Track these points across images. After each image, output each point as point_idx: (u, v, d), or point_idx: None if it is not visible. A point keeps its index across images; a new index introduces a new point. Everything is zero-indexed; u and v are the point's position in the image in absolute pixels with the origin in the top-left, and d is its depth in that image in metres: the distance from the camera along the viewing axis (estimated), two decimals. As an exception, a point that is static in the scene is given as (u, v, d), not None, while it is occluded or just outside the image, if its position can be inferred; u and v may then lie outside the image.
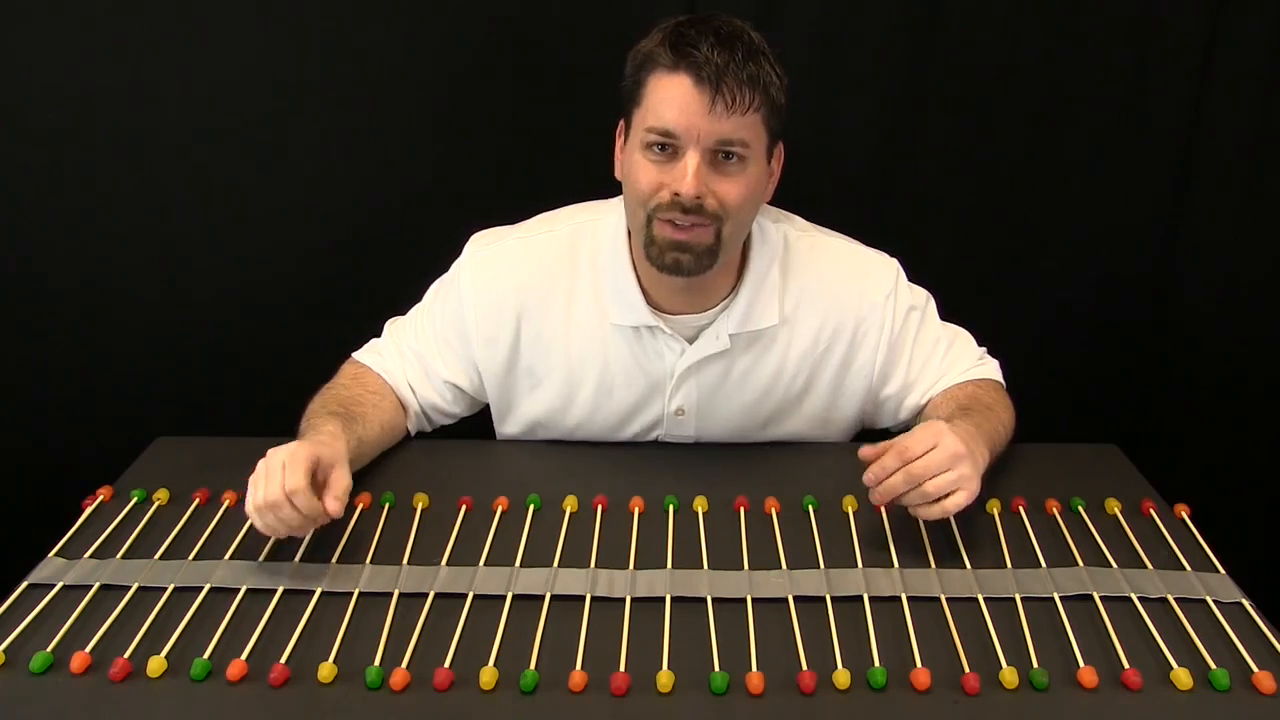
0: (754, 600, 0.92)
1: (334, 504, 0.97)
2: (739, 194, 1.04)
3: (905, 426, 1.27)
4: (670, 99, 1.01)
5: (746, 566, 0.98)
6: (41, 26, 1.47)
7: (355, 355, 1.27)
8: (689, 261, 1.06)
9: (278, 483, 0.94)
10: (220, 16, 1.47)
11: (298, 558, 0.99)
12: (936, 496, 0.96)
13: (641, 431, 1.24)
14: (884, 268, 1.21)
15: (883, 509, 1.06)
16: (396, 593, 0.93)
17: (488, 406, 1.29)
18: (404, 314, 1.29)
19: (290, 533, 0.97)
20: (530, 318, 1.19)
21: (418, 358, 1.24)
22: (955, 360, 1.23)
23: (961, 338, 1.26)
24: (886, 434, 1.30)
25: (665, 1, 1.40)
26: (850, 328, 1.19)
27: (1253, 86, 1.51)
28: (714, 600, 0.92)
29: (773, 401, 1.21)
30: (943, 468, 0.96)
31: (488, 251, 1.21)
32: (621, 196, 1.13)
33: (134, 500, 1.09)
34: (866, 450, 1.01)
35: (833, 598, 0.92)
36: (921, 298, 1.24)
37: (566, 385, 1.21)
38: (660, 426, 1.23)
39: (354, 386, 1.20)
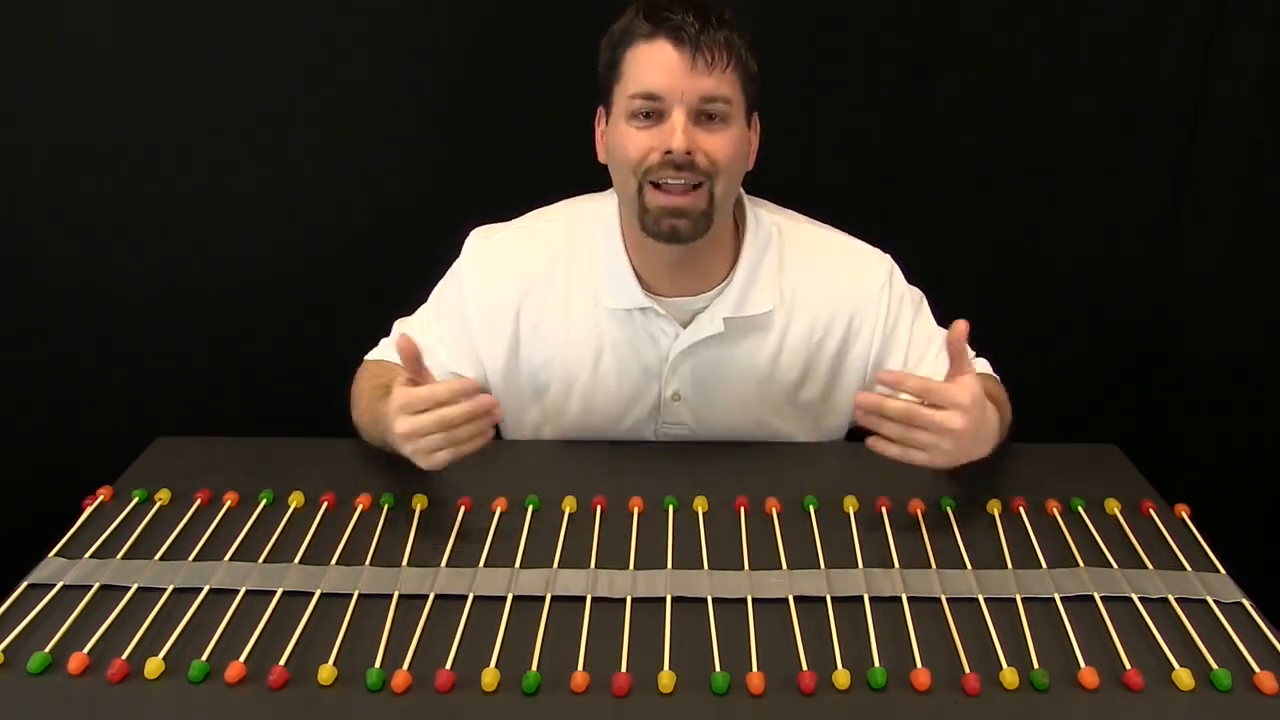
0: (754, 600, 0.92)
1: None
2: (726, 150, 1.07)
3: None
4: (652, 63, 1.05)
5: (747, 566, 0.98)
6: (42, 27, 1.47)
7: (370, 356, 1.28)
8: (685, 227, 1.08)
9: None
10: (221, 17, 1.47)
11: (298, 559, 0.99)
12: (907, 441, 0.98)
13: (640, 420, 1.24)
14: (879, 262, 1.23)
15: (883, 509, 1.06)
16: (396, 594, 0.93)
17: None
18: (411, 314, 1.29)
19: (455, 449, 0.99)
20: (529, 306, 1.21)
21: (425, 351, 1.24)
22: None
23: None
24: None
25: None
26: (845, 319, 1.20)
27: (1252, 88, 1.51)
28: (714, 600, 0.92)
29: (768, 390, 1.22)
30: (941, 428, 0.97)
31: (487, 243, 1.23)
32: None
33: (134, 500, 1.09)
34: (886, 375, 1.00)
35: (833, 598, 0.92)
36: (916, 296, 1.25)
37: (565, 372, 1.22)
38: (659, 414, 1.23)
39: (390, 378, 1.21)
